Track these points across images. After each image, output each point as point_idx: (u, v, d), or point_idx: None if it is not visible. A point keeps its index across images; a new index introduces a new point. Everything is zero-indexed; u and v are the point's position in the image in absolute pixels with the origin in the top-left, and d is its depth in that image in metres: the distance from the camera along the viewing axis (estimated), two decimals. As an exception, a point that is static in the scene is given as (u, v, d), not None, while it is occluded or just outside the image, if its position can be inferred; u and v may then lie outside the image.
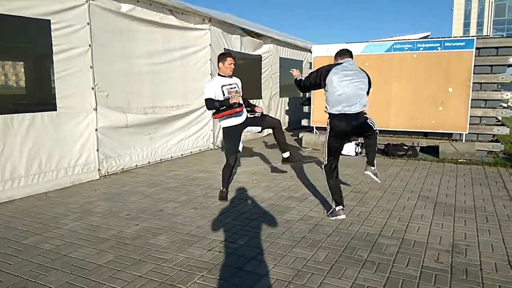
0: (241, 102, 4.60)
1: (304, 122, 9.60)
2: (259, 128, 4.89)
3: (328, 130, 4.15)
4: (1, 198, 4.72)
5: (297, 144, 9.14)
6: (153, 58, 6.84)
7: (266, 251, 3.33)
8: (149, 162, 6.89)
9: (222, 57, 4.70)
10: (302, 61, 12.81)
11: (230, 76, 4.71)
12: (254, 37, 9.93)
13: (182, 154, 7.67)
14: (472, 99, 7.40)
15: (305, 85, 4.29)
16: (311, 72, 4.24)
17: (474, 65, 7.28)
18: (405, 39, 9.25)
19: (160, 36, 6.95)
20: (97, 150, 5.83)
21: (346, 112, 4.02)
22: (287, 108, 12.20)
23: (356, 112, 4.03)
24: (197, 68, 7.92)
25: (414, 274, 2.91)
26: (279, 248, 3.39)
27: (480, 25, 54.75)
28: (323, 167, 4.28)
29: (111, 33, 5.99)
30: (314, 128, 9.05)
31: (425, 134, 8.13)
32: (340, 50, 4.29)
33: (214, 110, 4.56)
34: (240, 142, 4.78)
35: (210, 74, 8.15)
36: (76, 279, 2.87)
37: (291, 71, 4.71)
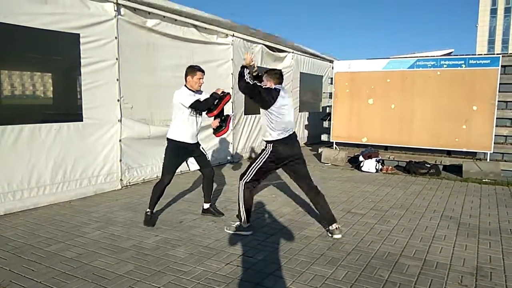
0: (191, 142, 4.42)
1: (323, 137, 9.56)
2: (198, 167, 4.66)
3: (268, 153, 4.02)
4: (26, 205, 4.85)
5: (316, 159, 9.09)
6: (177, 72, 6.95)
7: (284, 267, 3.31)
8: (169, 174, 6.96)
9: (191, 70, 4.37)
10: (322, 76, 12.83)
11: (198, 92, 4.43)
12: (275, 52, 10.02)
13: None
14: (497, 118, 7.25)
15: (244, 89, 3.97)
16: (265, 88, 3.95)
17: (500, 83, 7.15)
18: (428, 56, 9.17)
19: (184, 50, 7.10)
20: (120, 160, 5.95)
21: (291, 137, 4.08)
22: (306, 122, 12.18)
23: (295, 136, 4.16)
24: (219, 82, 8.00)
25: (437, 297, 2.84)
26: (298, 264, 3.36)
27: (505, 42, 53.84)
28: (244, 185, 4.10)
29: (137, 47, 6.17)
30: (334, 143, 9.00)
31: (448, 153, 7.98)
32: (279, 72, 4.17)
33: (209, 110, 4.37)
34: (192, 164, 4.61)
35: (231, 88, 8.25)
36: (96, 288, 2.91)
37: (246, 55, 4.17)
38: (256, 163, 4.09)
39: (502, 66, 7.20)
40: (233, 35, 8.17)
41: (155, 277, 3.10)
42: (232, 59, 8.20)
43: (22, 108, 5.26)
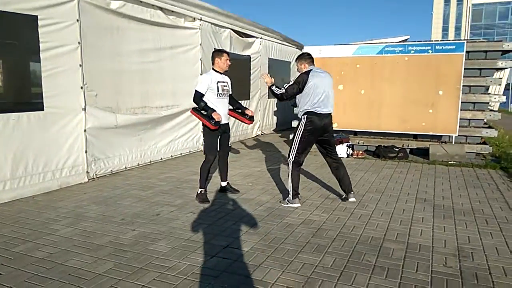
0: (222, 122, 4.63)
1: (294, 124, 9.53)
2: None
3: (303, 127, 4.48)
4: (-16, 203, 4.47)
5: (288, 146, 9.07)
6: (143, 57, 6.65)
7: (272, 257, 3.23)
8: (138, 164, 6.69)
9: (219, 52, 4.77)
10: (290, 62, 12.76)
11: (223, 74, 4.80)
12: (243, 37, 9.82)
13: (172, 156, 7.49)
14: (461, 102, 7.48)
15: (284, 99, 4.71)
16: (288, 87, 4.56)
17: (464, 68, 7.37)
18: (385, 42, 9.28)
19: (151, 34, 6.77)
20: (86, 151, 5.60)
21: (323, 112, 4.48)
22: (275, 109, 12.13)
23: (329, 112, 4.57)
24: (187, 68, 7.75)
25: (425, 280, 2.86)
26: (285, 253, 3.29)
27: (458, 29, 56.11)
28: (291, 162, 4.55)
29: (101, 30, 5.78)
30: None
31: (415, 136, 8.20)
32: (307, 55, 4.71)
33: (195, 106, 4.62)
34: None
35: (200, 75, 7.99)
36: (74, 290, 2.70)
37: (262, 77, 4.91)
38: (297, 139, 4.55)
39: (466, 51, 7.40)
40: (200, 19, 7.88)
41: (138, 274, 2.92)
42: (200, 44, 7.93)
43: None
